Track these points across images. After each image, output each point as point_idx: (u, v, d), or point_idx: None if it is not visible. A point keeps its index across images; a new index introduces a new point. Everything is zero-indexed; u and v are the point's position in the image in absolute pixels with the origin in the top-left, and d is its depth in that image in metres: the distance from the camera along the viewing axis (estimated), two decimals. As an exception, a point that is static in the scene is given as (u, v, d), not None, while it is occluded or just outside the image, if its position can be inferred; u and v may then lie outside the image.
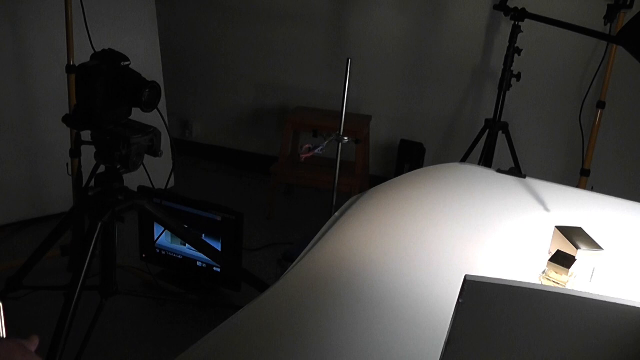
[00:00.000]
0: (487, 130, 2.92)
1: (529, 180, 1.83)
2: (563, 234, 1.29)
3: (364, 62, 3.40)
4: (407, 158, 3.41)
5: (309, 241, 1.40)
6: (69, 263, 2.55)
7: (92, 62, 1.74)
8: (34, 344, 0.91)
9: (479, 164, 2.69)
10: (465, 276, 0.72)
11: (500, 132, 2.92)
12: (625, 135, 3.14)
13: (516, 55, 2.77)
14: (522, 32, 2.73)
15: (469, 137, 3.14)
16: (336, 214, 1.55)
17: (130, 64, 1.78)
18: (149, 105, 1.76)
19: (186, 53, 3.81)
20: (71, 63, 2.46)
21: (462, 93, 3.35)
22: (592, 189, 2.94)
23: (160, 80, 3.25)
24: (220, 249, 2.39)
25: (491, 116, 2.92)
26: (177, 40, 3.77)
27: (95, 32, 2.26)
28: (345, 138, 2.00)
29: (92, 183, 1.93)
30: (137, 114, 1.82)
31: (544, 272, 1.22)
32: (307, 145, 1.91)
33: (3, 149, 2.80)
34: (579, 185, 2.99)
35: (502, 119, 2.90)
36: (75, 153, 2.43)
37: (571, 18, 2.44)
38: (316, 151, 1.92)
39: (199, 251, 2.29)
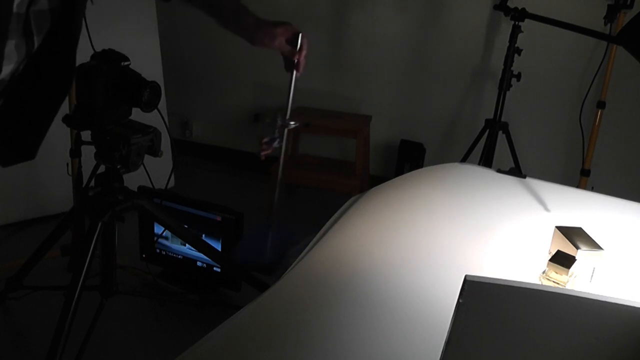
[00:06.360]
0: (487, 130, 2.92)
1: (529, 180, 1.82)
2: (563, 234, 1.29)
3: (364, 62, 3.40)
4: (407, 158, 3.41)
5: (309, 241, 1.40)
6: (69, 263, 2.55)
7: (92, 62, 1.74)
8: None
9: (479, 164, 2.68)
10: (465, 276, 0.72)
11: (500, 132, 2.92)
12: (625, 135, 3.14)
13: (516, 55, 2.77)
14: (522, 32, 2.73)
15: (469, 137, 3.14)
16: (336, 214, 1.55)
17: (130, 64, 1.78)
18: (149, 105, 1.75)
19: (186, 53, 3.81)
20: (71, 63, 2.45)
21: (462, 93, 3.35)
22: (592, 189, 2.94)
23: (160, 80, 3.25)
24: (220, 249, 2.39)
25: (491, 116, 2.92)
26: (177, 40, 3.77)
27: (95, 33, 2.25)
28: (292, 122, 1.72)
29: (92, 183, 1.93)
30: (137, 114, 1.82)
31: (544, 272, 1.22)
32: (264, 140, 1.67)
33: (3, 149, 2.79)
34: (579, 185, 2.99)
35: (502, 119, 2.90)
36: (75, 153, 2.43)
37: (571, 18, 2.44)
38: (274, 145, 1.71)
39: (199, 251, 2.28)
